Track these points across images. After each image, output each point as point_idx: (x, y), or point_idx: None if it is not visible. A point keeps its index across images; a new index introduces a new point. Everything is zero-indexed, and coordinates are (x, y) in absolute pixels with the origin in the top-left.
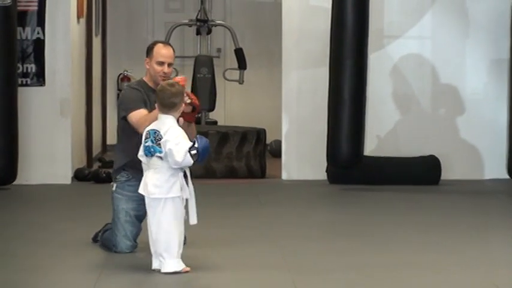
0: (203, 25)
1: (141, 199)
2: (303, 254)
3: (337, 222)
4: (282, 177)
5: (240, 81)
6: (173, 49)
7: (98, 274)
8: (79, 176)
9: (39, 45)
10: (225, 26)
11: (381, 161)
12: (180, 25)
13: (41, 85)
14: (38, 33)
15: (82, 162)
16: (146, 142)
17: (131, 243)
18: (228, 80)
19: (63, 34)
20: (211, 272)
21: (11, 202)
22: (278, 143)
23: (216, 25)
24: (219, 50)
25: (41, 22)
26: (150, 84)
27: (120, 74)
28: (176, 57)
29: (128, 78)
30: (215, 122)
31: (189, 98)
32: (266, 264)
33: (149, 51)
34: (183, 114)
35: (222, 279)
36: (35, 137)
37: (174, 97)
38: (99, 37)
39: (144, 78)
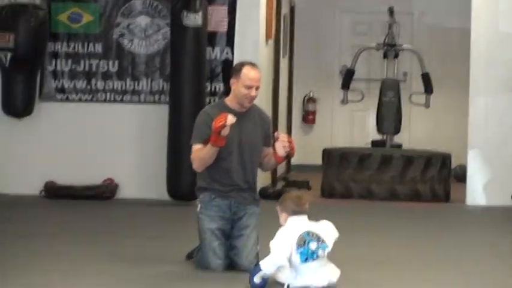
0: (390, 49)
1: (224, 217)
2: (486, 279)
3: None
4: (466, 202)
5: (426, 105)
6: (259, 71)
7: None
8: (263, 194)
9: (227, 65)
10: (412, 51)
11: None
12: (367, 48)
13: None
14: (227, 53)
15: (267, 181)
16: (309, 244)
17: (221, 262)
18: (414, 103)
19: (252, 55)
20: None
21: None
22: (463, 168)
23: (403, 49)
24: (405, 74)
25: (230, 42)
26: (233, 105)
27: (305, 96)
28: (362, 79)
29: (313, 100)
30: (400, 146)
31: (289, 147)
32: None
33: (236, 72)
34: (276, 157)
35: None
36: None
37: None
38: (287, 58)
39: (226, 99)
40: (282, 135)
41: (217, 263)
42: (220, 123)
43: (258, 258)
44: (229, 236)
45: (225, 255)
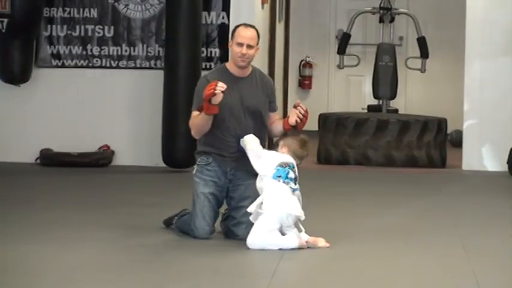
0: (386, 13)
1: (219, 184)
2: (484, 244)
3: None
4: (463, 168)
5: (422, 69)
6: (257, 32)
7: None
8: None
9: (223, 30)
10: (408, 14)
11: None
12: (362, 13)
13: None
14: (223, 18)
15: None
16: (289, 170)
17: (209, 228)
18: (409, 68)
19: (247, 19)
20: (390, 259)
21: None
22: (459, 133)
23: (399, 13)
24: (401, 38)
25: (226, 7)
26: (233, 69)
27: (302, 60)
28: (358, 44)
29: (310, 65)
30: (396, 110)
31: (300, 121)
32: (446, 254)
33: (232, 33)
34: (285, 124)
35: (402, 266)
36: None
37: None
38: (282, 23)
39: (227, 64)
40: (301, 106)
41: (205, 229)
42: (210, 91)
43: None
44: (222, 202)
45: (213, 221)
